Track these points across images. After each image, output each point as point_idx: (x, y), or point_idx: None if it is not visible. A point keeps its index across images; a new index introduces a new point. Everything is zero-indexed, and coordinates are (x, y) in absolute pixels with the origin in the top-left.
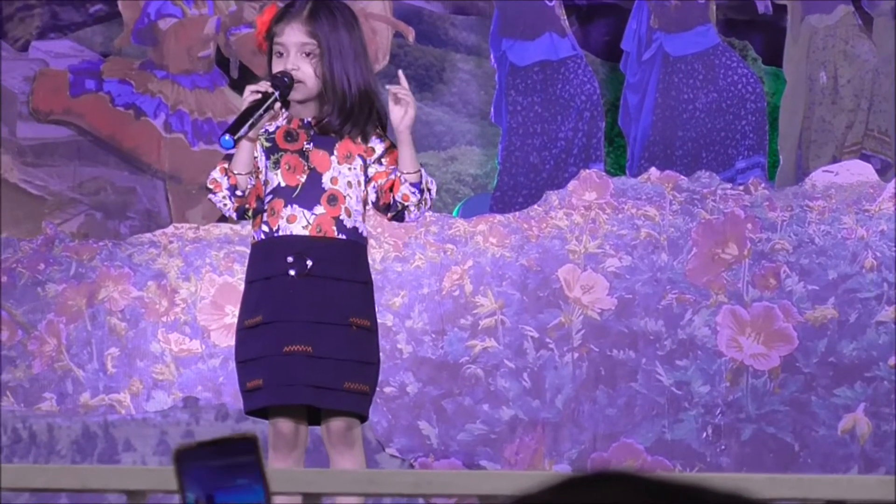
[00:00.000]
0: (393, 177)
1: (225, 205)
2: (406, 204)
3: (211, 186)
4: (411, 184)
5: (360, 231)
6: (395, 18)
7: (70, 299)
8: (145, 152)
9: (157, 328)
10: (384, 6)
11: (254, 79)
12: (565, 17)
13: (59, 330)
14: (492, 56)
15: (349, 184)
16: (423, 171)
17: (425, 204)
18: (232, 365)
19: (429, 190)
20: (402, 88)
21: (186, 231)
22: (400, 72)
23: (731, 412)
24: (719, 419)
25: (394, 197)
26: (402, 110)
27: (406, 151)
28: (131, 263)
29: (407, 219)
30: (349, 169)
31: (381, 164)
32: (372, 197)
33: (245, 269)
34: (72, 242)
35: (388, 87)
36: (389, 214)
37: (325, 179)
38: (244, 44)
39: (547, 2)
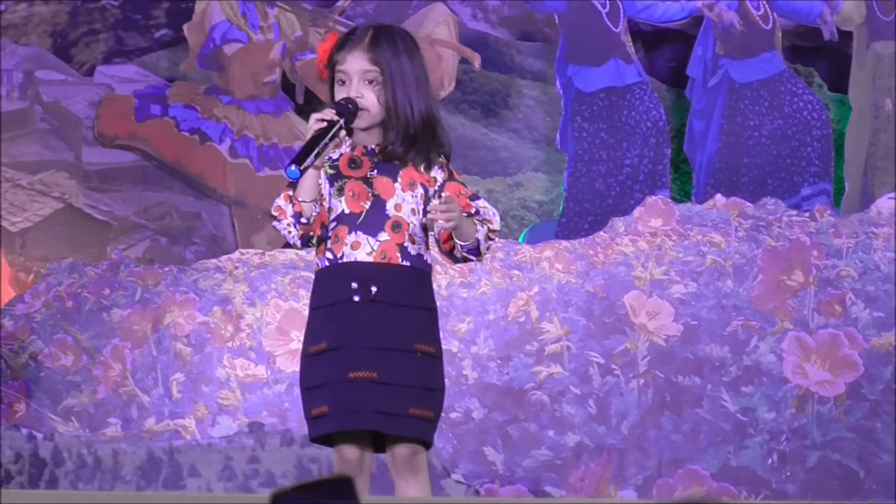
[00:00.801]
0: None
1: (290, 232)
2: (469, 258)
3: (276, 214)
4: (468, 251)
5: (423, 258)
6: (462, 45)
7: (135, 324)
8: (210, 177)
9: (222, 353)
10: (450, 32)
11: (319, 104)
12: (631, 44)
13: (125, 355)
14: (557, 82)
15: (413, 211)
16: (479, 233)
17: (488, 251)
18: (297, 390)
19: (491, 236)
20: (441, 212)
21: (252, 256)
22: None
23: (797, 439)
24: (784, 445)
25: (454, 253)
26: (446, 223)
27: (459, 229)
28: (197, 289)
29: (471, 262)
30: (412, 196)
31: (439, 199)
32: (432, 239)
33: (310, 294)
34: (137, 267)
35: (429, 210)
36: (452, 262)
37: (389, 206)
38: (310, 69)
39: (613, 28)
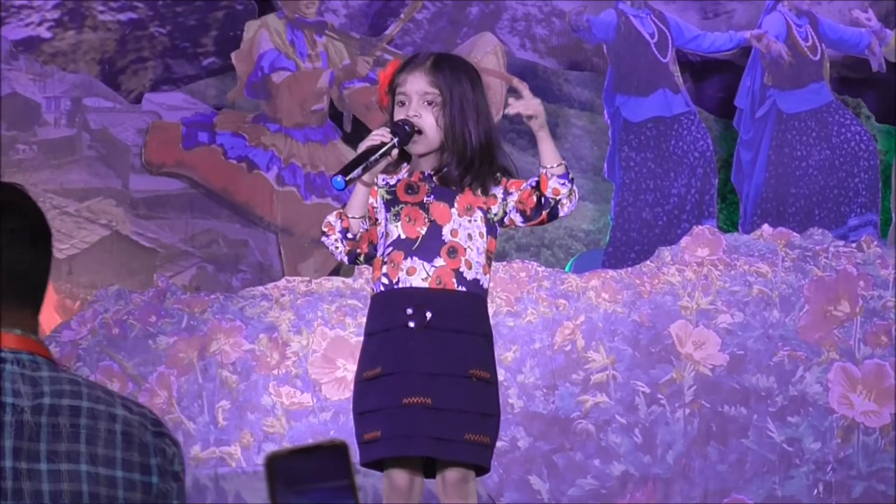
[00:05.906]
0: (529, 186)
1: (337, 248)
2: (558, 198)
3: (325, 229)
4: (559, 176)
5: (480, 283)
6: (510, 74)
7: (181, 352)
8: (258, 205)
9: (268, 381)
10: (499, 61)
11: (366, 132)
12: (679, 74)
13: (170, 382)
14: (605, 112)
15: (469, 236)
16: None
17: (574, 195)
18: (343, 418)
19: (573, 180)
20: (522, 104)
21: (298, 284)
22: (521, 83)
23: (842, 469)
24: (830, 476)
25: (543, 195)
26: (529, 117)
27: (546, 146)
28: (243, 316)
29: (561, 213)
30: (469, 221)
31: (511, 193)
32: (518, 218)
33: (357, 322)
34: (183, 295)
35: (509, 101)
36: (544, 213)
37: (446, 232)
38: (357, 98)
39: (661, 58)
